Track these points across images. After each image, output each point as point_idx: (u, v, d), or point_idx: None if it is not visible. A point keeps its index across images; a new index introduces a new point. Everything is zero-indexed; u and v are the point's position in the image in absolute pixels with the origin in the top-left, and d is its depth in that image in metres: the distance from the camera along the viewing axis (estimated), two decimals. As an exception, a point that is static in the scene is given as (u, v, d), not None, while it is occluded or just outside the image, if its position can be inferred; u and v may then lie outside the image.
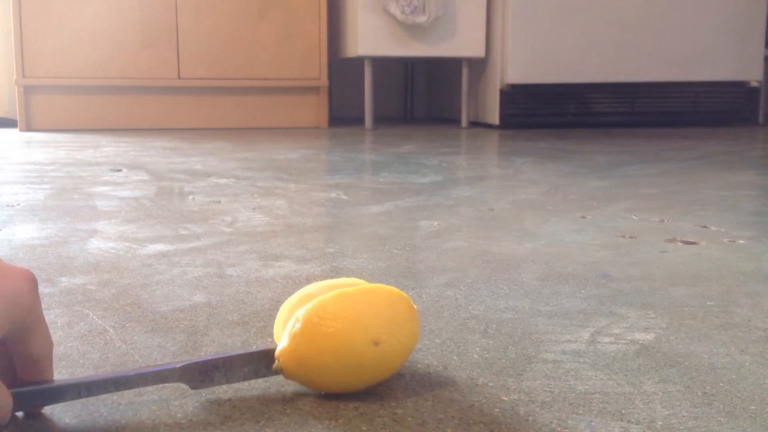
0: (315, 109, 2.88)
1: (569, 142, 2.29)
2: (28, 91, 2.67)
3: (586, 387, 0.48)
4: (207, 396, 0.47)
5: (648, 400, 0.46)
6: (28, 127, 2.69)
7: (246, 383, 0.48)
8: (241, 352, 0.47)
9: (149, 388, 0.47)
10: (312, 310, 0.45)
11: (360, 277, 0.75)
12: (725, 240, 0.92)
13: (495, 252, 0.86)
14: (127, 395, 0.47)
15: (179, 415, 0.44)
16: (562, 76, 2.77)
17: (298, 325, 0.45)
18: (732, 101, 2.94)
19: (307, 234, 0.95)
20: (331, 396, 0.47)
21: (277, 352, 0.46)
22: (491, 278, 0.74)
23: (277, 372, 0.46)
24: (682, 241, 0.91)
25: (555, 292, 0.69)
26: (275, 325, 0.51)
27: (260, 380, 0.49)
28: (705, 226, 1.01)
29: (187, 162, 1.75)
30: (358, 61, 2.91)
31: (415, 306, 0.48)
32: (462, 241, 0.92)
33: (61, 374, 0.50)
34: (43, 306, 0.64)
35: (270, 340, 0.57)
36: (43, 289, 0.70)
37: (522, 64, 2.73)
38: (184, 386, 0.48)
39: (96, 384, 0.43)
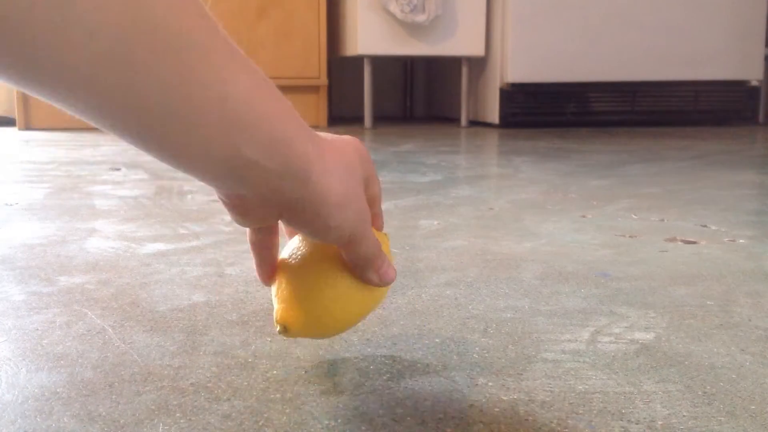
0: (314, 108, 2.88)
1: (569, 141, 2.29)
2: (27, 89, 2.67)
3: (586, 386, 0.48)
4: (206, 396, 0.46)
5: (648, 399, 0.46)
6: (27, 126, 2.69)
7: (245, 382, 0.48)
8: None
9: (147, 387, 0.47)
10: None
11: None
12: (725, 239, 0.92)
13: (495, 251, 0.86)
14: (126, 395, 0.46)
15: (178, 414, 0.44)
16: (562, 75, 2.77)
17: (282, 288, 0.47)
18: (732, 100, 2.94)
19: (306, 233, 0.95)
20: (331, 395, 0.46)
21: (276, 318, 0.46)
22: (491, 277, 0.74)
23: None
24: (682, 241, 0.91)
25: (555, 292, 0.69)
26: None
27: (260, 379, 0.49)
28: (705, 226, 1.01)
29: (186, 161, 1.74)
30: (358, 60, 2.91)
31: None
32: (462, 240, 0.92)
33: (59, 374, 0.50)
34: (41, 305, 0.64)
35: (270, 339, 0.56)
36: (41, 288, 0.70)
37: (522, 63, 2.73)
38: (182, 386, 0.48)
39: None
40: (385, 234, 0.52)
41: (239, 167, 0.36)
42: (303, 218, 0.41)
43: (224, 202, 0.42)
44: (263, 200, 0.40)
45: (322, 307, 0.46)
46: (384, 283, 0.47)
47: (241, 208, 0.42)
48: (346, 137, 0.46)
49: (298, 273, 0.47)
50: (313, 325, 0.47)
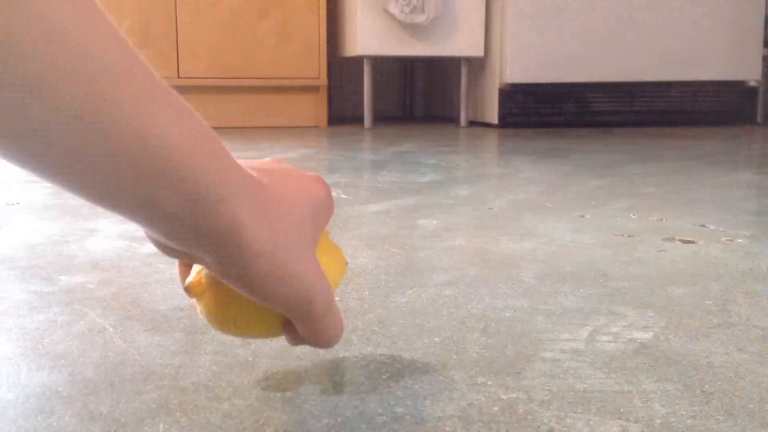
0: (314, 108, 2.88)
1: (568, 141, 2.29)
2: (27, 89, 2.67)
3: (585, 385, 0.48)
4: (206, 394, 0.47)
5: (646, 398, 0.46)
6: (27, 126, 2.68)
7: (246, 381, 0.48)
8: None
9: (148, 386, 0.48)
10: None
11: (360, 276, 0.75)
12: (724, 239, 0.92)
13: (494, 251, 0.86)
14: (127, 394, 0.47)
15: (178, 413, 0.44)
16: (561, 75, 2.77)
17: None
18: (730, 100, 2.94)
19: (306, 233, 0.95)
20: (331, 394, 0.47)
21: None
22: (490, 277, 0.74)
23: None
24: (680, 240, 0.91)
25: (554, 291, 0.70)
26: None
27: (260, 378, 0.49)
28: (703, 225, 1.01)
29: (186, 161, 1.74)
30: (358, 61, 2.91)
31: None
32: (461, 239, 0.92)
33: (60, 373, 0.50)
34: (42, 304, 0.64)
35: (270, 338, 0.57)
36: (42, 287, 0.70)
37: (521, 63, 2.73)
38: (182, 385, 0.48)
39: None
40: (338, 249, 0.48)
41: (158, 219, 0.33)
42: (229, 280, 0.37)
43: (147, 235, 0.38)
44: (188, 250, 0.36)
45: None
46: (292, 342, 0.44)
47: (163, 249, 0.38)
48: (310, 176, 0.42)
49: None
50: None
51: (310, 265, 0.39)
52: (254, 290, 0.37)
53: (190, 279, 0.43)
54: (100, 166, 0.30)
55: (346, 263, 0.49)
